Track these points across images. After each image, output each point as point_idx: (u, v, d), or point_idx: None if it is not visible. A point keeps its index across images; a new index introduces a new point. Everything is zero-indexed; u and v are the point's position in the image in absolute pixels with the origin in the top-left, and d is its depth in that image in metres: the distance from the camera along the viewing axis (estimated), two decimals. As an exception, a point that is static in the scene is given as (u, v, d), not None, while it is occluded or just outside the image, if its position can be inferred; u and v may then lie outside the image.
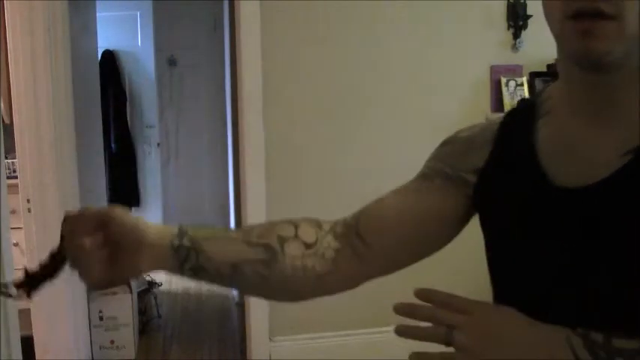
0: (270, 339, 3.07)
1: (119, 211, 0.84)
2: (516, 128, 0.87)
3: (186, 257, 0.85)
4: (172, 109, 5.40)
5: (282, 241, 0.90)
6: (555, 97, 0.84)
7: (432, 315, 0.76)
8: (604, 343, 0.69)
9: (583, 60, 0.72)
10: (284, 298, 0.95)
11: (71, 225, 0.84)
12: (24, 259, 2.78)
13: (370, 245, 0.92)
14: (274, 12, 2.92)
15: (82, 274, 0.84)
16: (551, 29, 0.74)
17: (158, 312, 3.88)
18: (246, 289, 0.94)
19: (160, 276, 4.44)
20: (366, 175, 3.06)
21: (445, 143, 0.96)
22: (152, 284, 3.93)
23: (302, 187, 3.02)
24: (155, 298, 3.91)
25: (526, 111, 0.87)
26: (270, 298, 0.97)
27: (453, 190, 0.91)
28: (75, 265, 0.84)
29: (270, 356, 3.07)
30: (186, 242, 0.85)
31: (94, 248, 0.82)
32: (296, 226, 0.93)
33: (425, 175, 0.95)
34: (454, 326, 0.74)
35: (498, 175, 0.87)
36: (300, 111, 3.02)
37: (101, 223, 0.83)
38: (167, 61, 5.30)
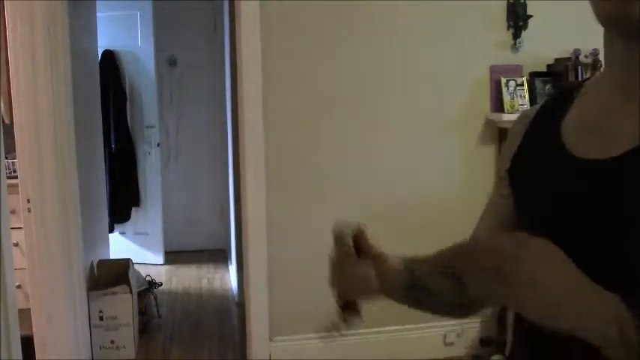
0: (270, 339, 3.07)
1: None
2: (552, 110, 0.92)
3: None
4: (172, 109, 5.40)
5: None
6: (594, 80, 0.88)
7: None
8: None
9: (621, 23, 0.74)
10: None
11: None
12: (24, 259, 2.78)
13: None
14: (274, 12, 2.92)
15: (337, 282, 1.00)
16: (592, 6, 0.77)
17: (158, 312, 3.88)
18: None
19: (160, 276, 4.45)
20: (366, 174, 3.06)
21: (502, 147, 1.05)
22: (152, 284, 3.93)
23: (302, 187, 3.02)
24: (155, 298, 3.91)
25: (565, 94, 0.92)
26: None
27: (509, 191, 0.96)
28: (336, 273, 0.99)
29: (270, 356, 3.07)
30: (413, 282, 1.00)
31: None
32: None
33: (497, 184, 1.01)
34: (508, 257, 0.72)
35: (527, 153, 0.92)
36: (300, 111, 3.02)
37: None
38: (167, 61, 5.30)
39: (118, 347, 3.25)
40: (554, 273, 0.71)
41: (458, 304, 1.02)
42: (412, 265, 1.01)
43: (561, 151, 0.84)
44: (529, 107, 1.05)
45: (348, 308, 1.01)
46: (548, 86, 3.21)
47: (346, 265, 0.97)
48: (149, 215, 5.09)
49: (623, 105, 0.80)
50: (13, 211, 2.70)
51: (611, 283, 0.73)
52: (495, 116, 3.15)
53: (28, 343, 2.56)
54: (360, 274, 0.97)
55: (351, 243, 0.97)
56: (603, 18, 0.75)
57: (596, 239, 0.79)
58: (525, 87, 3.17)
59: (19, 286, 2.67)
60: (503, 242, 0.73)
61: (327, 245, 0.98)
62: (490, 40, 3.17)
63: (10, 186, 2.23)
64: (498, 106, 3.19)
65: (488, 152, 3.19)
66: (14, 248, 2.57)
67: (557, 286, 0.70)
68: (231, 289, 4.45)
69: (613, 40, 0.80)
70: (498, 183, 1.00)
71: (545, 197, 0.86)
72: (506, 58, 3.19)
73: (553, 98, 0.96)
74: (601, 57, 3.19)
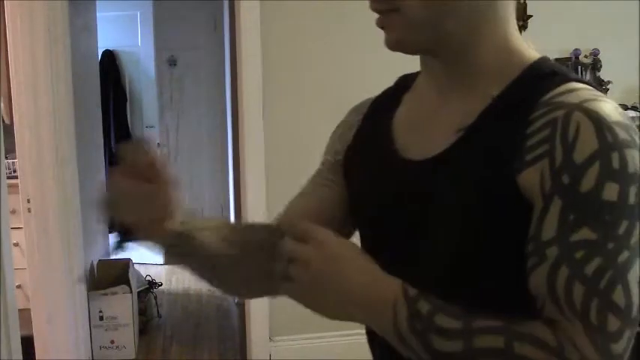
0: (270, 339, 3.07)
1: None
2: (385, 103, 0.93)
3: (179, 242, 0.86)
4: (172, 109, 5.39)
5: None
6: (422, 75, 0.89)
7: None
8: (427, 317, 0.69)
9: (391, 49, 0.79)
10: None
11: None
12: (24, 259, 2.78)
13: None
14: (274, 12, 2.92)
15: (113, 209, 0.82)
16: None
17: (158, 312, 3.88)
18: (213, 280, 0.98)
19: (160, 276, 4.45)
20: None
21: (332, 133, 1.02)
22: (152, 284, 3.93)
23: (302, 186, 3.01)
24: (155, 298, 3.91)
25: (399, 86, 0.93)
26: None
27: (338, 179, 0.95)
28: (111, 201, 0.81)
29: (270, 356, 3.07)
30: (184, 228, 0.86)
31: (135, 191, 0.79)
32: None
33: (318, 172, 1.01)
34: (293, 258, 0.73)
35: (359, 147, 0.92)
36: (301, 111, 3.02)
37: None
38: (167, 61, 5.30)
39: (118, 347, 3.25)
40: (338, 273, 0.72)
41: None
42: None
43: (389, 151, 0.85)
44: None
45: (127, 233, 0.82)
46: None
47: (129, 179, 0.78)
48: (149, 215, 5.07)
49: (439, 103, 0.82)
50: (13, 211, 2.70)
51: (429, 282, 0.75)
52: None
53: (28, 343, 2.56)
54: (145, 191, 0.79)
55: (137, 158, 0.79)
56: (387, 47, 0.79)
57: (413, 242, 0.80)
58: (525, 87, 3.16)
59: (19, 286, 2.67)
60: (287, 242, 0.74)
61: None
62: (490, 40, 3.16)
63: (10, 186, 2.23)
64: (498, 106, 3.18)
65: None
66: (14, 248, 2.57)
67: (338, 285, 0.72)
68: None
69: None
70: (327, 167, 0.98)
71: (372, 197, 0.88)
72: (506, 58, 3.18)
73: (391, 89, 0.96)
74: (601, 57, 3.19)
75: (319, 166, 1.01)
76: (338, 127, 1.00)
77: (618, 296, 0.65)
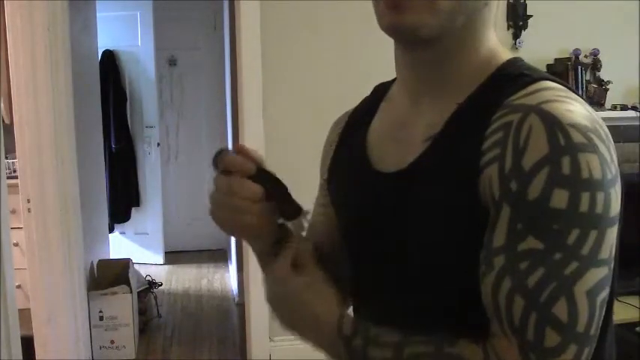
0: (270, 339, 3.07)
1: None
2: (362, 113, 0.90)
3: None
4: (172, 109, 5.39)
5: None
6: (396, 83, 0.86)
7: None
8: (361, 353, 0.71)
9: (396, 35, 0.74)
10: None
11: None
12: (24, 259, 2.78)
13: None
14: (274, 12, 2.92)
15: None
16: (376, 17, 0.76)
17: (158, 312, 3.88)
18: None
19: (160, 276, 4.45)
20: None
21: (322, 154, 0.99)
22: (152, 284, 3.93)
23: (302, 187, 3.01)
24: (155, 298, 3.91)
25: (375, 95, 0.91)
26: None
27: (328, 201, 0.94)
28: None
29: (270, 356, 3.07)
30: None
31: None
32: None
33: (316, 199, 0.99)
34: None
35: (338, 163, 0.90)
36: (300, 111, 3.02)
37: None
38: (167, 61, 5.30)
39: (118, 347, 3.25)
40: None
41: None
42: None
43: (363, 165, 0.83)
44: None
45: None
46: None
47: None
48: (149, 215, 5.08)
49: (411, 112, 0.79)
50: (13, 211, 2.70)
51: (406, 289, 0.77)
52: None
53: (28, 343, 2.56)
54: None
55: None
56: (383, 28, 0.74)
57: (389, 254, 0.79)
58: (525, 87, 3.16)
59: (19, 286, 2.67)
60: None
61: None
62: (490, 40, 3.17)
63: (10, 186, 2.23)
64: (498, 106, 3.18)
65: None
66: (14, 248, 2.57)
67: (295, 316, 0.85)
68: (231, 289, 4.45)
69: (398, 46, 0.79)
70: (320, 191, 0.98)
71: (348, 212, 0.87)
72: (506, 58, 3.18)
73: (365, 101, 0.93)
74: (601, 57, 3.19)
75: (319, 187, 0.99)
76: (324, 145, 0.97)
77: (560, 310, 0.61)
